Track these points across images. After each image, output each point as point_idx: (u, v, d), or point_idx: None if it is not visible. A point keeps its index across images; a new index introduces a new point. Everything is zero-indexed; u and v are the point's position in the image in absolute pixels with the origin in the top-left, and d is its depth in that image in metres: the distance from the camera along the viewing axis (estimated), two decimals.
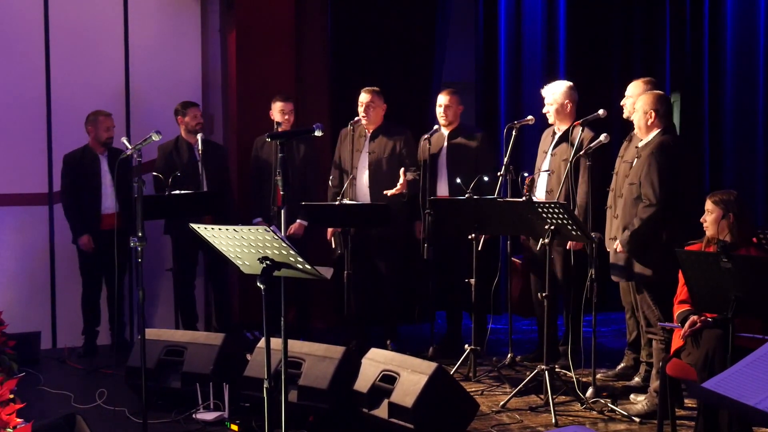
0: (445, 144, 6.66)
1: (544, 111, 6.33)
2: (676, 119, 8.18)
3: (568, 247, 6.05)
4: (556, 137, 6.29)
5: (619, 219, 5.44)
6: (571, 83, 6.38)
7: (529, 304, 6.50)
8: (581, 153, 5.61)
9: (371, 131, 6.74)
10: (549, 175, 6.22)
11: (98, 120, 6.81)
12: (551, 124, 6.37)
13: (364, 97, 6.70)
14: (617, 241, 5.36)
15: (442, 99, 6.65)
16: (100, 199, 6.82)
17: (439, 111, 6.65)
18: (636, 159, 5.38)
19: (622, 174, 5.53)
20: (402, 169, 6.51)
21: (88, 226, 6.78)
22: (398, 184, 6.49)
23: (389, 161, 6.66)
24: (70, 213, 6.85)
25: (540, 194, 6.23)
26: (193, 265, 7.04)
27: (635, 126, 5.45)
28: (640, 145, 5.41)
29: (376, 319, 7.02)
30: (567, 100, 6.27)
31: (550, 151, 6.28)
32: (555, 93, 6.28)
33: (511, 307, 6.62)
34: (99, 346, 6.97)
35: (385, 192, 6.52)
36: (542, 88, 6.45)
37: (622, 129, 5.97)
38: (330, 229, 6.77)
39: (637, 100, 5.50)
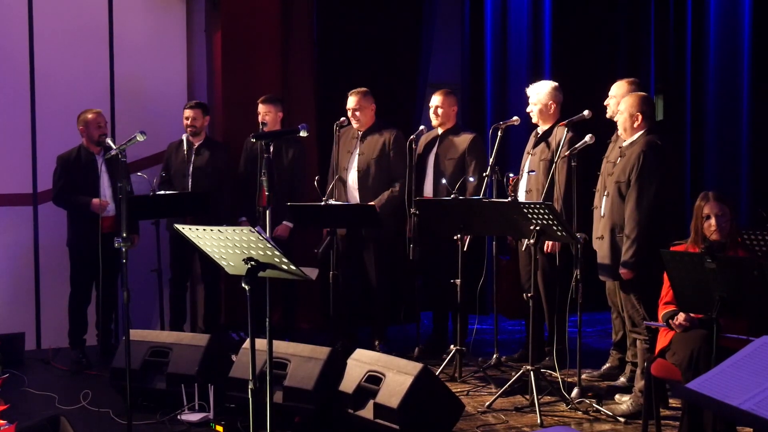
0: (436, 145, 6.67)
1: (527, 110, 6.34)
2: (660, 120, 8.21)
3: (547, 250, 6.07)
4: (537, 138, 6.31)
5: (605, 218, 5.45)
6: (556, 84, 6.38)
7: (515, 305, 6.50)
8: (566, 154, 5.62)
9: (362, 132, 6.73)
10: (530, 175, 6.22)
11: (88, 118, 6.64)
12: (535, 124, 6.38)
13: (351, 102, 6.67)
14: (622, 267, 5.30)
15: (434, 100, 6.66)
16: None
17: (431, 112, 6.66)
18: (619, 158, 5.40)
19: (606, 174, 5.55)
20: None
21: (89, 227, 6.49)
22: None
23: (378, 162, 6.65)
24: (70, 205, 6.60)
25: (521, 195, 6.24)
26: (190, 265, 7.00)
27: (619, 127, 5.46)
28: (624, 144, 5.43)
29: (363, 319, 7.01)
30: (551, 101, 6.28)
31: (530, 152, 6.29)
32: (539, 93, 6.29)
33: (497, 308, 6.61)
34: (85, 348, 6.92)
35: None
36: (528, 88, 6.46)
37: (607, 129, 5.97)
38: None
39: (621, 102, 5.51)
